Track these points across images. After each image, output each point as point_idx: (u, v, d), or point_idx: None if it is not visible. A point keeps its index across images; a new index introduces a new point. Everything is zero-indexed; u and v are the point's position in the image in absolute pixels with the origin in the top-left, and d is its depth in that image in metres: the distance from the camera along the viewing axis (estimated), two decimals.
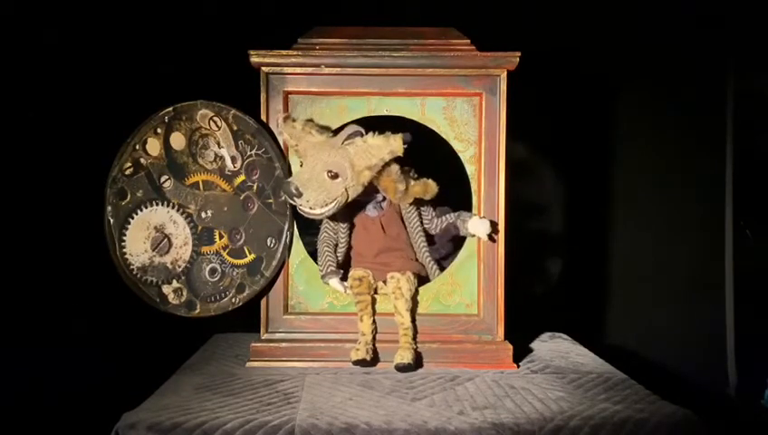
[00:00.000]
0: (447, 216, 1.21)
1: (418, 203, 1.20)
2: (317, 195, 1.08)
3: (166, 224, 1.10)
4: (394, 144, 1.09)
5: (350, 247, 1.23)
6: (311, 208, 1.09)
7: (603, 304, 1.76)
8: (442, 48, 1.17)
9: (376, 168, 1.10)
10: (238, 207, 1.14)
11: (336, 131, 1.15)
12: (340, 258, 1.22)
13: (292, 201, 1.10)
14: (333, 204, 1.09)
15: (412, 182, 1.14)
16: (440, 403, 0.98)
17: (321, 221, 1.22)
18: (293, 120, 1.13)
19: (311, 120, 1.14)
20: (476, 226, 1.15)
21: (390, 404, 0.97)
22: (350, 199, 1.12)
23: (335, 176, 1.09)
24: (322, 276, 1.19)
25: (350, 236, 1.23)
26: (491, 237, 1.16)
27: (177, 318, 1.11)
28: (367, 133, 1.11)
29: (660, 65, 1.70)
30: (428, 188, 1.15)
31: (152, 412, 0.92)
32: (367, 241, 1.21)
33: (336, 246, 1.22)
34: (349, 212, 1.20)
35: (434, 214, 1.22)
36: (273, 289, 1.18)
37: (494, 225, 1.16)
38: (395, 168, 1.12)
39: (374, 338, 1.16)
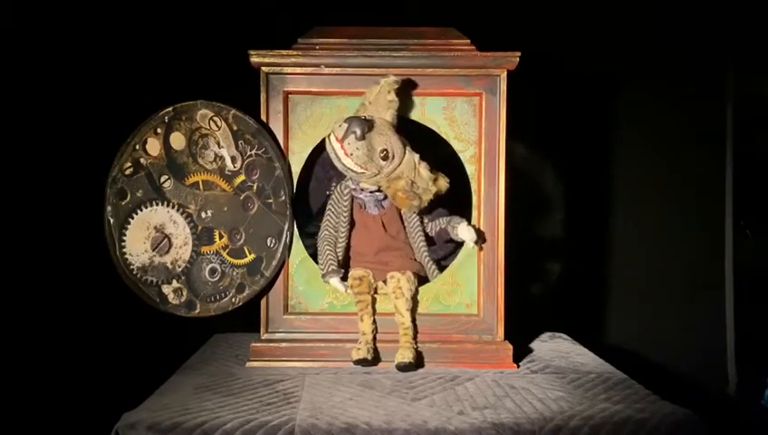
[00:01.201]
0: (441, 219, 1.21)
1: None
2: (364, 154, 1.08)
3: (166, 224, 1.10)
4: (442, 185, 1.13)
5: (348, 247, 1.23)
6: (351, 153, 1.08)
7: (603, 304, 1.76)
8: (442, 48, 1.17)
9: (405, 189, 1.12)
10: (238, 207, 1.14)
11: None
12: (339, 257, 1.22)
13: (344, 135, 1.07)
14: (362, 172, 1.10)
15: (421, 189, 1.14)
16: (440, 403, 0.98)
17: (321, 220, 1.22)
18: (395, 91, 1.12)
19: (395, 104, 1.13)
20: (464, 232, 1.16)
21: (390, 404, 0.97)
22: (365, 183, 1.15)
23: (385, 157, 1.10)
24: (323, 275, 1.19)
25: (349, 234, 1.22)
26: (477, 244, 1.17)
27: (177, 318, 1.11)
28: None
29: (660, 65, 1.71)
30: (439, 191, 1.14)
31: (152, 412, 0.92)
32: (367, 239, 1.21)
33: (336, 244, 1.22)
34: (349, 210, 1.21)
35: (431, 216, 1.22)
36: (273, 289, 1.18)
37: (480, 233, 1.17)
38: (405, 182, 1.12)
39: (375, 338, 1.16)
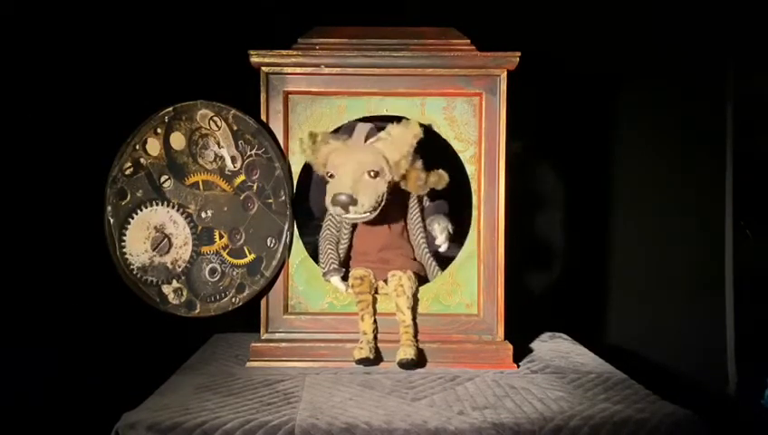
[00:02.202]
0: (431, 217, 1.22)
1: (420, 197, 1.22)
2: (368, 198, 1.08)
3: (166, 224, 1.10)
4: (415, 128, 1.10)
5: (350, 247, 1.23)
6: (365, 213, 1.09)
7: (603, 304, 1.76)
8: (442, 48, 1.17)
9: (409, 155, 1.11)
10: (238, 207, 1.14)
11: (337, 131, 1.16)
12: (341, 256, 1.22)
13: (345, 211, 1.08)
14: (382, 202, 1.11)
15: (423, 175, 1.14)
16: (440, 403, 0.98)
17: (323, 218, 1.23)
18: (316, 135, 1.12)
19: (315, 134, 1.13)
20: (436, 231, 1.19)
21: (390, 404, 0.97)
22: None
23: (376, 174, 1.10)
24: (324, 274, 1.19)
25: (352, 233, 1.23)
26: (442, 247, 1.20)
27: (177, 318, 1.12)
28: (372, 127, 1.14)
29: (660, 66, 1.71)
30: (442, 179, 1.15)
31: (152, 412, 0.92)
32: (371, 237, 1.21)
33: (338, 243, 1.22)
34: None
35: (427, 211, 1.23)
36: (273, 289, 1.18)
37: (452, 240, 1.20)
38: (417, 159, 1.13)
39: (376, 337, 1.16)
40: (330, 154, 1.11)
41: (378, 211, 1.11)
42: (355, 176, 1.08)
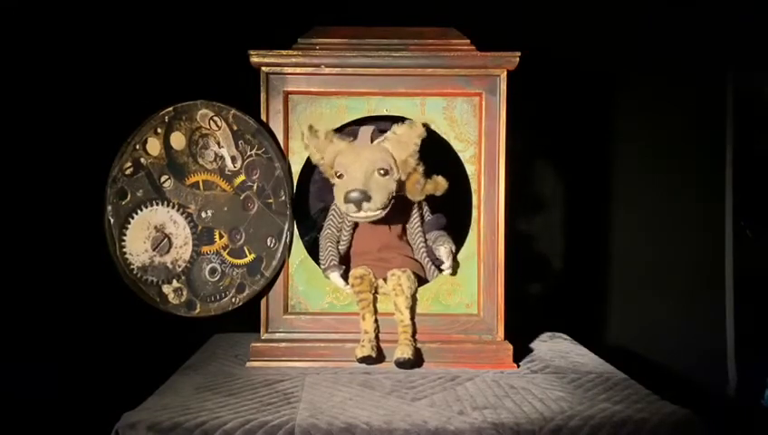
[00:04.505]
0: (432, 233, 1.21)
1: (419, 203, 1.21)
2: (380, 195, 1.09)
3: (166, 224, 1.10)
4: (419, 128, 1.12)
5: (349, 247, 1.23)
6: (377, 210, 1.09)
7: (603, 304, 1.76)
8: (442, 48, 1.17)
9: (415, 154, 1.12)
10: (238, 207, 1.14)
11: (339, 131, 1.16)
12: (342, 253, 1.22)
13: (358, 209, 1.08)
14: (392, 200, 1.11)
15: (422, 180, 1.15)
16: (440, 403, 0.98)
17: (324, 217, 1.23)
18: (316, 130, 1.14)
19: (312, 126, 1.15)
20: (443, 255, 1.17)
21: (390, 404, 0.97)
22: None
23: (386, 173, 1.10)
24: (324, 269, 1.19)
25: (352, 232, 1.23)
26: (450, 270, 1.18)
27: (177, 318, 1.11)
28: (375, 128, 1.15)
29: (660, 65, 1.71)
30: (439, 185, 1.16)
31: (152, 412, 0.92)
32: (372, 236, 1.21)
33: (338, 242, 1.22)
34: None
35: (428, 225, 1.23)
36: (273, 289, 1.18)
37: (455, 260, 1.18)
38: (419, 163, 1.13)
39: (377, 336, 1.16)
40: (337, 155, 1.12)
41: (387, 209, 1.11)
42: (366, 174, 1.09)
